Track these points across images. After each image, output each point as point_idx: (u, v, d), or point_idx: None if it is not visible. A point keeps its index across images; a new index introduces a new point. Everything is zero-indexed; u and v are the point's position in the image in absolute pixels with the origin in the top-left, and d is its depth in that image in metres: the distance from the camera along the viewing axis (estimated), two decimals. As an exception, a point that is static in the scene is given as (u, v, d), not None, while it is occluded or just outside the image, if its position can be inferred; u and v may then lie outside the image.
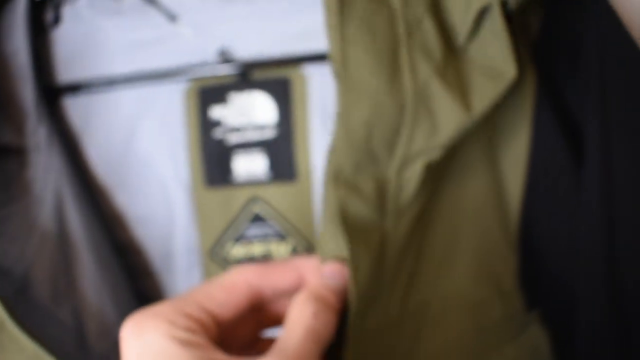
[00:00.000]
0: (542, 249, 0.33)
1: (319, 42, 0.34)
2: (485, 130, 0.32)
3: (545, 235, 0.33)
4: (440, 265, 0.31)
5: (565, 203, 0.32)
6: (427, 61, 0.28)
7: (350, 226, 0.27)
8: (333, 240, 0.27)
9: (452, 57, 0.29)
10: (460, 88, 0.28)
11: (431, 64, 0.28)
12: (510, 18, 0.29)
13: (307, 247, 0.36)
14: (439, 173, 0.31)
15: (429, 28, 0.29)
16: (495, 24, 0.28)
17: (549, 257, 0.33)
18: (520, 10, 0.29)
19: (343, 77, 0.28)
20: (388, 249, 0.29)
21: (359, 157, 0.28)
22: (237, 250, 0.37)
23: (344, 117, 0.28)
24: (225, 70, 0.35)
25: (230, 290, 0.26)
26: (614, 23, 0.32)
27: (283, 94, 0.36)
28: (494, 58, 0.29)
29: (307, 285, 0.27)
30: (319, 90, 0.35)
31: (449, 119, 0.28)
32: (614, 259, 0.30)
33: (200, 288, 0.26)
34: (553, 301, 0.33)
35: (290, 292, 0.27)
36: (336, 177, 0.28)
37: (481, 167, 0.32)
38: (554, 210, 0.32)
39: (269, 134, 0.36)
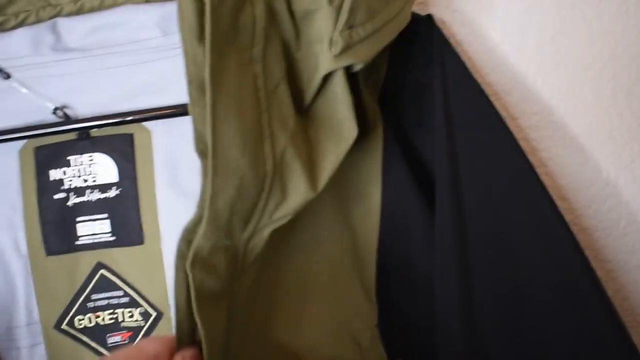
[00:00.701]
0: (400, 300, 0.32)
1: (162, 96, 0.33)
2: (336, 182, 0.30)
3: (402, 285, 0.32)
4: (292, 321, 0.30)
5: (419, 250, 0.31)
6: (283, 129, 0.26)
7: (203, 303, 0.26)
8: (189, 321, 0.26)
9: (302, 120, 0.28)
10: (309, 153, 0.27)
11: (287, 132, 0.26)
12: (355, 76, 0.28)
13: (156, 312, 0.34)
14: (287, 228, 0.29)
15: (283, 94, 0.27)
16: (338, 87, 0.27)
17: (407, 307, 0.32)
18: (365, 70, 0.28)
19: (213, 160, 0.24)
20: (235, 310, 0.28)
21: (218, 237, 0.26)
22: (85, 320, 0.34)
23: (211, 201, 0.25)
24: (63, 128, 0.33)
25: None
26: (458, 67, 0.32)
27: (125, 150, 0.34)
28: (337, 120, 0.28)
29: None
30: (164, 144, 0.34)
31: (297, 190, 0.27)
32: (470, 300, 0.29)
33: None
34: (415, 351, 0.32)
35: None
36: (194, 260, 0.26)
37: (332, 220, 0.31)
38: (409, 258, 0.31)
39: (112, 193, 0.34)
